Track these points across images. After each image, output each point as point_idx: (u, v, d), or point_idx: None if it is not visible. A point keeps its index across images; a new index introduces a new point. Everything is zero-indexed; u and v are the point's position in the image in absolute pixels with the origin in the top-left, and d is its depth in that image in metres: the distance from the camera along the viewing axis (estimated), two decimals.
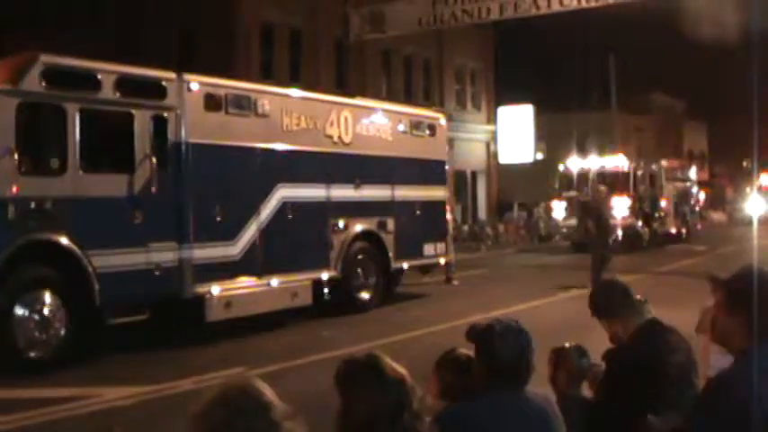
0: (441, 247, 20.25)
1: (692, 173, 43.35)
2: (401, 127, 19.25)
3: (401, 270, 19.33)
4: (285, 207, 16.20)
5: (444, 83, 46.54)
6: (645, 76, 58.84)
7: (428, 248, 19.80)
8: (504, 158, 48.23)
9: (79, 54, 13.98)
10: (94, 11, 35.61)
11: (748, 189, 56.61)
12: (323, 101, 17.69)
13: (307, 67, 37.65)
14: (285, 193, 16.23)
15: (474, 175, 48.34)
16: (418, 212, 19.44)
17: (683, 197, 41.25)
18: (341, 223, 17.44)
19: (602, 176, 34.47)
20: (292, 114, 16.49)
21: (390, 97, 41.95)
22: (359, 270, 18.03)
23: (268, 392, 2.64)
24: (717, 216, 63.35)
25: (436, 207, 20.27)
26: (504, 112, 48.69)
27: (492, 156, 48.63)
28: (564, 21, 36.15)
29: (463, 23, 30.86)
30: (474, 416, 3.87)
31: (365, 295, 18.10)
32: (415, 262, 19.64)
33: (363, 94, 39.82)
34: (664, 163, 39.00)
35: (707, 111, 69.63)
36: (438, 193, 20.48)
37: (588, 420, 4.80)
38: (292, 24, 37.21)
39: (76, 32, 31.25)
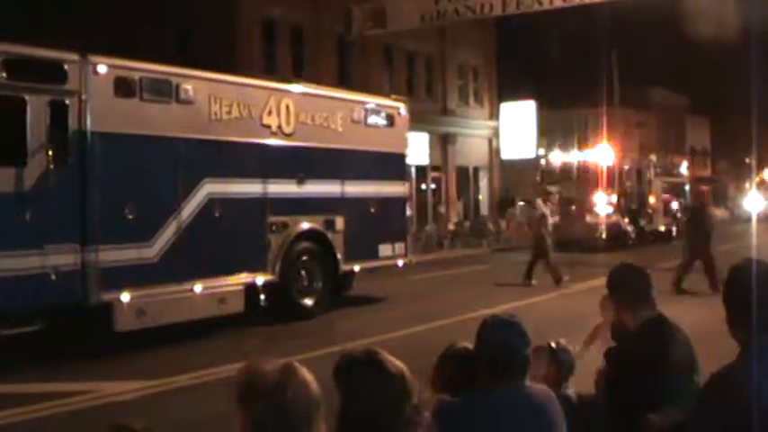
0: (400, 247, 17.55)
1: (684, 168, 39.97)
2: (354, 116, 16.60)
3: (352, 273, 16.73)
4: (212, 204, 13.76)
5: (447, 79, 43.59)
6: (647, 72, 55.74)
7: (385, 249, 17.15)
8: (507, 154, 45.21)
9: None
10: (93, 7, 33.40)
11: (747, 185, 53.59)
12: (259, 86, 15.05)
13: (309, 63, 35.28)
14: (212, 188, 13.78)
15: (476, 170, 45.59)
16: (373, 210, 16.81)
17: (674, 193, 37.79)
18: (280, 222, 14.90)
19: (585, 171, 31.46)
20: (222, 101, 14.00)
21: (393, 93, 39.87)
22: (302, 273, 15.51)
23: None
24: (719, 212, 60.13)
25: (394, 204, 17.57)
26: (507, 107, 45.65)
27: (494, 152, 45.71)
28: (566, 16, 34.59)
29: (466, 19, 28.92)
30: (472, 410, 3.67)
31: (308, 301, 15.55)
32: (369, 264, 17.02)
33: (366, 90, 38.09)
34: (652, 158, 35.69)
35: (709, 107, 66.14)
36: (397, 188, 17.80)
37: (590, 417, 4.61)
38: (294, 20, 34.96)
39: (75, 30, 28.76)
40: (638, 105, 53.62)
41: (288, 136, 15.04)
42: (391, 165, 17.47)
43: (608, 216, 30.05)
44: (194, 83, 13.61)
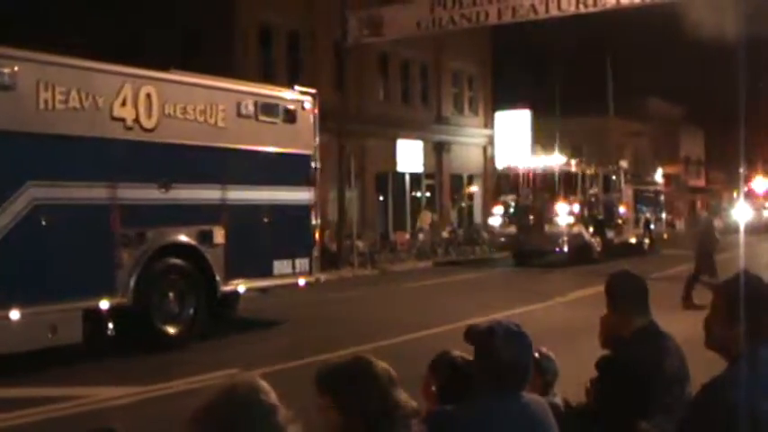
0: (302, 263, 13.63)
1: (659, 176, 35.12)
2: (242, 109, 12.83)
3: (236, 294, 13.06)
4: (38, 212, 10.28)
5: (442, 87, 40.11)
6: (642, 82, 51.55)
7: (281, 266, 13.27)
8: (502, 163, 41.27)
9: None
10: (97, 11, 30.72)
11: (735, 194, 48.99)
12: (109, 71, 11.33)
13: (305, 69, 32.18)
14: (39, 193, 10.32)
15: (470, 179, 42.07)
16: (266, 220, 13.05)
17: (647, 203, 32.70)
18: (135, 234, 11.29)
19: (546, 178, 26.92)
20: (56, 88, 10.49)
21: (388, 101, 36.92)
22: (170, 295, 11.87)
23: (273, 394, 2.26)
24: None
25: (295, 213, 13.71)
26: (502, 116, 41.92)
27: (489, 160, 41.96)
28: (562, 25, 32.25)
29: (461, 27, 27.33)
30: (465, 418, 3.34)
31: (172, 328, 11.83)
32: (260, 283, 13.22)
33: (361, 97, 34.99)
34: (623, 164, 30.87)
35: (704, 117, 61.68)
36: (299, 195, 13.88)
37: (580, 426, 4.16)
38: (291, 27, 32.16)
39: (79, 32, 26.49)
40: (633, 115, 49.51)
41: (148, 131, 11.45)
42: (292, 167, 13.62)
43: (569, 226, 25.65)
44: (16, 64, 10.12)
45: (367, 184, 34.76)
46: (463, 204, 40.12)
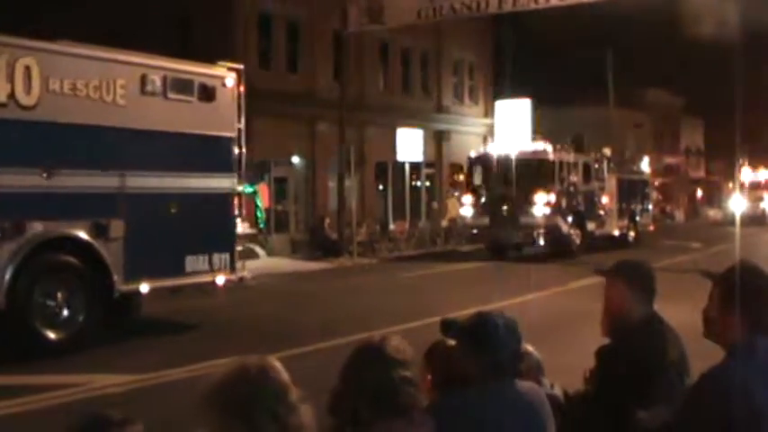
0: (222, 259, 11.50)
1: (645, 164, 32.35)
2: (147, 86, 10.72)
3: (138, 294, 10.97)
4: None
5: (442, 76, 38.14)
6: (643, 72, 49.25)
7: (195, 262, 11.16)
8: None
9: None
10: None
11: (731, 185, 46.35)
12: None
13: (304, 58, 30.87)
14: None
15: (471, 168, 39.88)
16: (175, 211, 10.92)
17: (632, 193, 29.79)
18: (9, 226, 9.32)
19: (520, 166, 24.48)
20: None
21: (388, 89, 35.12)
22: (56, 295, 9.90)
23: (284, 373, 2.18)
24: (713, 213, 53.29)
25: (213, 203, 11.57)
26: (502, 105, 39.59)
27: None
28: (562, 15, 30.53)
29: (462, 16, 26.64)
30: (469, 406, 3.20)
31: (54, 333, 9.85)
32: (169, 282, 11.14)
33: (361, 86, 33.19)
34: (606, 152, 28.22)
35: (705, 107, 59.07)
36: (218, 182, 11.67)
37: (579, 415, 3.94)
38: (290, 15, 30.49)
39: (75, 18, 25.09)
40: (633, 105, 47.12)
41: (27, 109, 9.45)
42: (209, 151, 11.49)
43: (545, 217, 23.31)
44: None
45: (366, 173, 33.31)
46: (456, 194, 38.15)
